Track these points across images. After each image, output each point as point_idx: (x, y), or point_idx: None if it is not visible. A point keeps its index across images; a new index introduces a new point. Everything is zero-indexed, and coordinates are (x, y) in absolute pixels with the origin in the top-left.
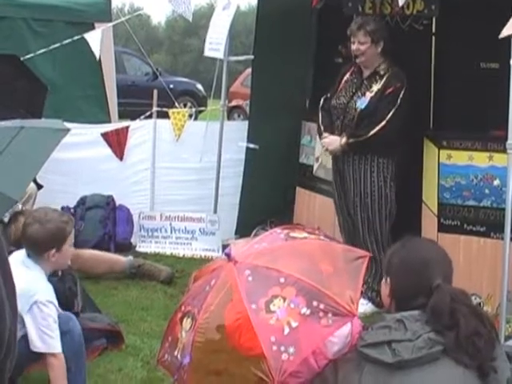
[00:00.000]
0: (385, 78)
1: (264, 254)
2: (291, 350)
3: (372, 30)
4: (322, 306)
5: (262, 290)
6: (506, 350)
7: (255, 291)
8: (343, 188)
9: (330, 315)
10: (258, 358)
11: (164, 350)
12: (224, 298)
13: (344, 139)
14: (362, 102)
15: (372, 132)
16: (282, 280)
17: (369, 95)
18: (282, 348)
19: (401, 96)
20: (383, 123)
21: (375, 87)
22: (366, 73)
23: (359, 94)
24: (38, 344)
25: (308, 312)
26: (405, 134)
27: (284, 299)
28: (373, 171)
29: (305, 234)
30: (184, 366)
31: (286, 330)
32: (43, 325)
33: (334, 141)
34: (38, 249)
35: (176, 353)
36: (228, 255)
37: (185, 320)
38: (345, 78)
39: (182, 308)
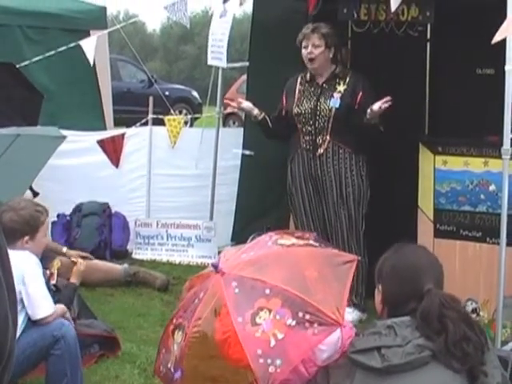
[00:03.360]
0: (348, 79)
1: (251, 263)
2: (278, 362)
3: (327, 33)
4: (307, 317)
5: (249, 303)
6: (502, 354)
7: (242, 304)
8: (318, 194)
9: (315, 325)
10: (248, 369)
11: (159, 361)
12: (212, 311)
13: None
14: (334, 102)
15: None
16: (267, 291)
17: (337, 95)
18: (269, 361)
19: (373, 91)
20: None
21: (340, 88)
22: (321, 79)
23: (324, 97)
24: (37, 312)
25: (294, 323)
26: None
27: (270, 311)
28: (351, 170)
29: (293, 240)
30: (176, 380)
31: (272, 342)
32: (36, 297)
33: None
34: (12, 236)
35: (169, 365)
36: (215, 266)
37: (176, 332)
38: (297, 89)
39: (174, 320)
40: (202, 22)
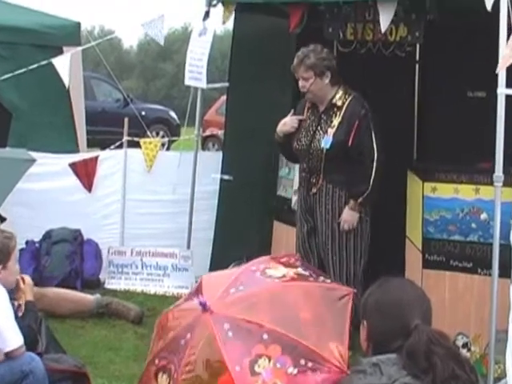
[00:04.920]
0: (344, 109)
1: (242, 300)
2: None
3: (313, 64)
4: (310, 365)
5: (245, 349)
6: None
7: (238, 350)
8: (314, 229)
9: (318, 373)
10: None
11: None
12: (203, 356)
13: (352, 204)
14: (326, 141)
15: (371, 180)
16: (265, 336)
17: (331, 132)
18: None
19: (371, 123)
20: (375, 165)
21: (335, 121)
22: (322, 107)
23: (320, 132)
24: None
25: (295, 371)
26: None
27: (269, 359)
28: None
29: (282, 270)
30: None
31: None
32: (4, 330)
33: (352, 215)
34: None
35: None
36: (203, 305)
37: (160, 376)
38: (303, 116)
39: (156, 361)
40: (181, 39)
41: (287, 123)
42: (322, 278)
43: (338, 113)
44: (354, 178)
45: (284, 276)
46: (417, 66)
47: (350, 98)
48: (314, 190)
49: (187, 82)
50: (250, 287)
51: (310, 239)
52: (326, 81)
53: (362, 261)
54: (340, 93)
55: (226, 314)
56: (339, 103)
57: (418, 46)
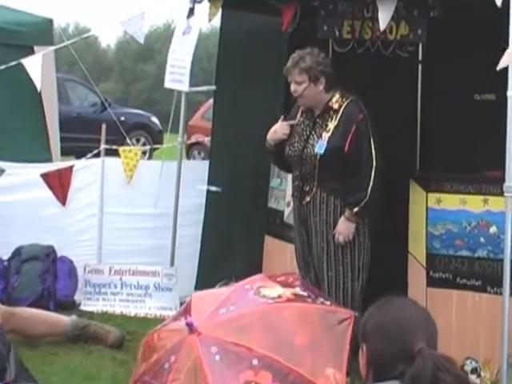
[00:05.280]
0: (340, 113)
1: (231, 322)
2: None
3: (308, 67)
4: None
5: (233, 374)
6: None
7: (225, 375)
8: (308, 241)
9: None
10: None
11: None
12: (187, 381)
13: (347, 214)
14: (320, 147)
15: (369, 189)
16: (255, 362)
17: (326, 136)
18: None
19: (369, 128)
20: (373, 173)
21: (331, 124)
22: (317, 111)
23: (314, 136)
24: None
25: None
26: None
27: None
28: None
29: (278, 290)
30: None
31: None
32: None
33: (347, 226)
34: None
35: None
36: (190, 326)
37: None
38: (296, 121)
39: None
40: (164, 38)
41: (278, 130)
42: (321, 300)
43: (334, 116)
44: (351, 186)
45: (279, 296)
46: (419, 66)
47: (347, 102)
48: (308, 199)
49: (167, 84)
50: (242, 308)
51: (306, 253)
52: (320, 87)
53: (360, 278)
54: (337, 96)
55: (214, 336)
56: (336, 106)
57: (420, 45)
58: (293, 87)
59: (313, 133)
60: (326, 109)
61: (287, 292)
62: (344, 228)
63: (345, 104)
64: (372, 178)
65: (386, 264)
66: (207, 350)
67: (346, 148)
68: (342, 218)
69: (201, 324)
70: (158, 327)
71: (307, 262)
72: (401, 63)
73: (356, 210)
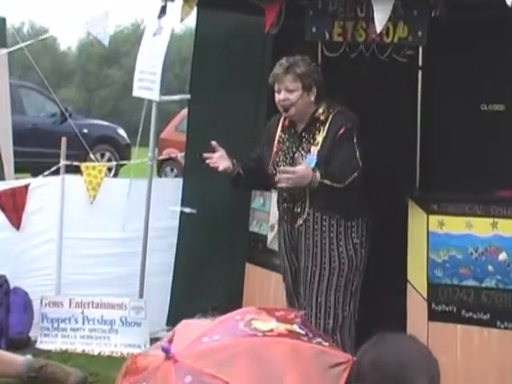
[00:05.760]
0: (328, 124)
1: (213, 352)
2: None
3: (303, 74)
4: None
5: None
6: None
7: None
8: (299, 267)
9: None
10: None
11: None
12: None
13: (318, 176)
14: (309, 162)
15: (349, 179)
16: None
17: (315, 149)
18: None
19: (355, 138)
20: (357, 170)
21: (319, 137)
22: (301, 125)
23: (302, 152)
24: None
25: None
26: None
27: None
28: (340, 239)
29: (272, 324)
30: None
31: None
32: None
33: (306, 175)
34: None
35: None
36: (167, 351)
37: None
38: (277, 137)
39: None
40: (132, 40)
41: (218, 159)
42: (318, 340)
43: (322, 128)
44: (347, 200)
45: (271, 330)
46: (419, 73)
47: (334, 112)
48: (300, 222)
49: (136, 92)
50: (227, 338)
51: (297, 284)
52: (312, 97)
53: (352, 303)
54: (323, 107)
55: (191, 366)
56: (322, 118)
57: (420, 48)
58: (282, 96)
59: (300, 148)
60: (312, 121)
61: (281, 327)
62: (304, 176)
63: (332, 114)
64: (354, 176)
65: (381, 294)
66: (181, 378)
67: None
68: (311, 173)
69: (180, 351)
70: (142, 351)
71: (297, 293)
72: (398, 69)
73: (325, 182)
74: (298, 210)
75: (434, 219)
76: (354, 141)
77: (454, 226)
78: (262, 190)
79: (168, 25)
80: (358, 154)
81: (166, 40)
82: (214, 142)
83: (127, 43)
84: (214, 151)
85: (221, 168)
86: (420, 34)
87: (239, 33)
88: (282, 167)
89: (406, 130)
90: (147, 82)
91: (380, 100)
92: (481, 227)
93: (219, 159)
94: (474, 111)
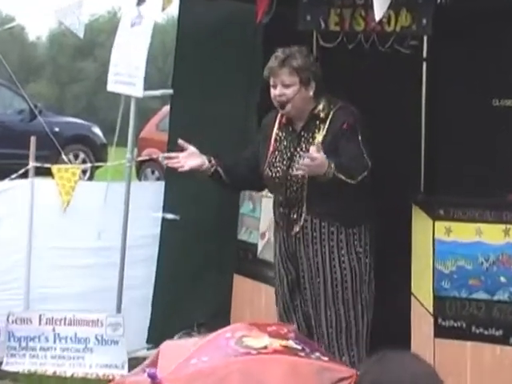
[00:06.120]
0: (328, 122)
1: (203, 375)
2: None
3: (300, 67)
4: None
5: None
6: None
7: None
8: (298, 279)
9: None
10: None
11: None
12: None
13: (333, 167)
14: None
15: (361, 176)
16: None
17: (314, 150)
18: None
19: (360, 135)
20: (367, 169)
21: (319, 136)
22: (300, 123)
23: (300, 152)
24: None
25: None
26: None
27: None
28: (341, 247)
29: (265, 340)
30: None
31: None
32: None
33: (323, 164)
34: None
35: None
36: (152, 377)
37: None
38: (273, 135)
39: None
40: (108, 29)
41: (184, 159)
42: (317, 354)
43: (322, 126)
44: (348, 206)
45: (265, 347)
46: (424, 65)
47: (335, 109)
48: (297, 229)
49: (111, 87)
50: (217, 359)
51: (294, 296)
52: (310, 92)
53: (365, 316)
54: (323, 103)
55: None
56: (322, 115)
57: (425, 38)
58: (278, 91)
59: (298, 149)
60: (312, 118)
61: (275, 343)
62: (322, 159)
63: (333, 112)
64: (364, 174)
65: (383, 308)
66: None
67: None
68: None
69: (166, 376)
70: (125, 375)
71: (295, 306)
72: (401, 61)
73: (339, 175)
74: (295, 217)
75: (441, 225)
76: (359, 138)
77: (463, 232)
78: (255, 191)
79: (149, 14)
80: (365, 152)
81: (148, 31)
82: (180, 141)
83: (103, 33)
84: (182, 150)
85: (186, 168)
86: (425, 22)
87: (226, 22)
88: (304, 153)
89: (409, 128)
90: (125, 76)
91: (380, 95)
92: (492, 234)
93: (187, 158)
94: (485, 107)
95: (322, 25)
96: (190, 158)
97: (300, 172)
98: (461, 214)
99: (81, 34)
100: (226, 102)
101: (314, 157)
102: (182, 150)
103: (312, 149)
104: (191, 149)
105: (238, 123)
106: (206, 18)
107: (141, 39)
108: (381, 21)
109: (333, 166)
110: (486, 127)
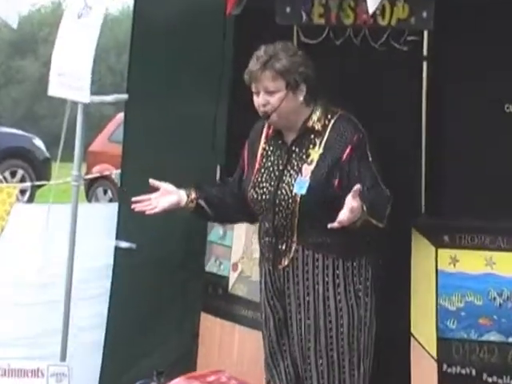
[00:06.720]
0: (326, 136)
1: None
2: None
3: (286, 69)
4: None
5: None
6: None
7: None
8: (286, 320)
9: None
10: None
11: None
12: None
13: (365, 209)
14: (300, 185)
15: (386, 214)
16: None
17: (308, 169)
18: None
19: (370, 157)
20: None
21: (314, 153)
22: (290, 135)
23: (291, 171)
24: None
25: None
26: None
27: None
28: (338, 284)
29: None
30: None
31: None
32: None
33: (359, 212)
34: None
35: None
36: None
37: None
38: (260, 150)
39: None
40: (51, 22)
41: (157, 200)
42: None
43: (318, 141)
44: (346, 235)
45: None
46: (424, 64)
47: (334, 118)
48: (286, 262)
49: (53, 91)
50: None
51: (282, 340)
52: (301, 98)
53: (362, 366)
54: (318, 111)
55: None
56: (318, 126)
57: (425, 33)
58: (261, 99)
59: (288, 167)
60: (305, 130)
61: None
62: (356, 206)
63: (332, 122)
64: (388, 211)
65: (379, 352)
66: None
67: (337, 183)
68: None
69: None
70: None
71: (283, 351)
72: (397, 60)
73: (373, 220)
74: (283, 247)
75: (446, 254)
76: (370, 159)
77: (472, 263)
78: (250, 223)
79: (99, 3)
80: (379, 179)
81: (98, 23)
82: (151, 181)
83: (45, 27)
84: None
85: (158, 209)
86: (425, 15)
87: (191, 14)
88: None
89: (407, 138)
90: (70, 78)
91: (373, 101)
92: (506, 265)
93: (160, 198)
94: (496, 113)
95: (304, 17)
96: (164, 196)
97: (336, 225)
98: (469, 241)
99: (14, 25)
100: (191, 108)
101: (353, 207)
102: (137, 166)
103: (349, 198)
104: (164, 186)
105: (206, 134)
106: (167, 9)
107: (89, 33)
108: (374, 13)
109: (365, 209)
110: (497, 137)
